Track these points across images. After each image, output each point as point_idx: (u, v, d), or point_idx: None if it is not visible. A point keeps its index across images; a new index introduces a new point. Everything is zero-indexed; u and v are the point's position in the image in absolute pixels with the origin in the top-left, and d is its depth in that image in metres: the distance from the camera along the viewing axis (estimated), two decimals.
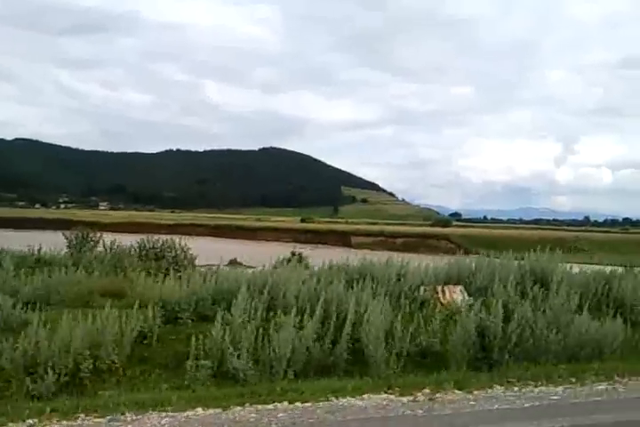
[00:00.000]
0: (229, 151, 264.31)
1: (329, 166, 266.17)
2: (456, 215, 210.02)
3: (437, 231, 69.84)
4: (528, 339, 7.08)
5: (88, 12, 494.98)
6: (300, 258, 20.16)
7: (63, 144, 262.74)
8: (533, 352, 7.10)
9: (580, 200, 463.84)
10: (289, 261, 14.55)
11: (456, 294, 9.45)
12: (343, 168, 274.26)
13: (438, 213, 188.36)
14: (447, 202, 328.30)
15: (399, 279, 10.07)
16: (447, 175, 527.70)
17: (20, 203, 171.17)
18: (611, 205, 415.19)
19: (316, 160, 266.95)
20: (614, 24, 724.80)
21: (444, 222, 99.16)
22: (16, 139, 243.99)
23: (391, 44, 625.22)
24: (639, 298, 9.70)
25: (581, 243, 62.15)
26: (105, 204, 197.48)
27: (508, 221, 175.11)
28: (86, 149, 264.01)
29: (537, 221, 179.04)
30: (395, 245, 65.59)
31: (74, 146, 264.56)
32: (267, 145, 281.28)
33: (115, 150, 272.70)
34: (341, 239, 75.05)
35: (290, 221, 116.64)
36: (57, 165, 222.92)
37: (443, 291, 9.46)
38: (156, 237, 16.36)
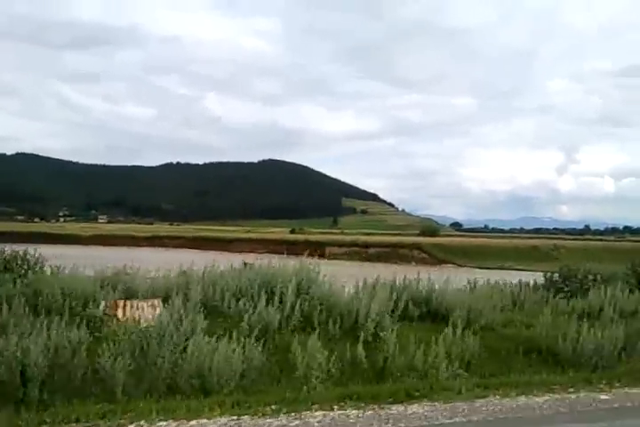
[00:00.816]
0: (229, 164, 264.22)
1: (329, 178, 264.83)
2: (457, 225, 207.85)
3: (411, 241, 67.88)
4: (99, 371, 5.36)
5: (89, 27, 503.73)
6: (251, 267, 19.74)
7: (63, 158, 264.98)
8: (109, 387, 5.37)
9: (582, 209, 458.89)
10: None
11: (143, 310, 7.69)
12: (343, 179, 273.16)
13: (437, 224, 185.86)
14: (450, 212, 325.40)
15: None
16: (450, 185, 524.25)
17: (20, 217, 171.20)
18: (613, 213, 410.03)
19: (316, 171, 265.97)
20: (614, 33, 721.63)
21: (432, 232, 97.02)
22: (17, 153, 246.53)
23: (391, 55, 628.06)
24: (377, 314, 7.88)
25: (559, 251, 60.07)
26: (104, 217, 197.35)
27: (510, 231, 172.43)
28: (87, 162, 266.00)
29: (538, 231, 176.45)
30: (366, 255, 63.70)
31: (74, 160, 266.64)
32: (266, 157, 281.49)
33: (115, 164, 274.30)
34: (317, 250, 73.36)
35: (279, 232, 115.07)
36: (57, 178, 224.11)
37: (124, 306, 7.70)
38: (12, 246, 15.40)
